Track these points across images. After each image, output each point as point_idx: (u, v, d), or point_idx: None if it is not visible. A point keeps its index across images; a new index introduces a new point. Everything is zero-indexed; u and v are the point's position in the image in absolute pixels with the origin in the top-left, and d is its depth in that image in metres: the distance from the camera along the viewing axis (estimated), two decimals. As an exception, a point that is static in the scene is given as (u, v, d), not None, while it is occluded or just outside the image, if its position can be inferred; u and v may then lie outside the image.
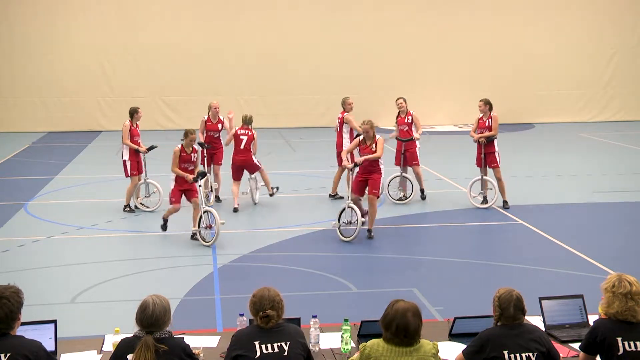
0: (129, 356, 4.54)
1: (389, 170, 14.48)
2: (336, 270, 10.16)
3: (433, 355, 4.56)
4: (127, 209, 13.42)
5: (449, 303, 8.61)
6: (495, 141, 13.43)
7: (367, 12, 26.17)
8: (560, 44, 26.95)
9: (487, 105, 13.51)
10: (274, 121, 25.82)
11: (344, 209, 11.44)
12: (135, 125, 13.49)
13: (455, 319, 5.69)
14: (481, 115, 13.55)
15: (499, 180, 13.39)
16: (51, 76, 25.25)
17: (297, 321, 5.33)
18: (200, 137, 13.92)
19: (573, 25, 26.97)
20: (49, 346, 5.13)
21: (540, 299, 5.80)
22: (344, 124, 14.14)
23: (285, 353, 4.68)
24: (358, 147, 11.71)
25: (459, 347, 5.26)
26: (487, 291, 5.44)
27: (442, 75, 26.54)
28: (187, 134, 11.65)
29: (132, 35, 25.42)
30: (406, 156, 14.07)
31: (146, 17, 25.51)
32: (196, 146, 11.92)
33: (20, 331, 4.71)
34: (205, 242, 11.15)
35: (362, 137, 11.60)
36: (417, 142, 14.09)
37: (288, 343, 4.71)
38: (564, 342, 5.50)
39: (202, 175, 11.47)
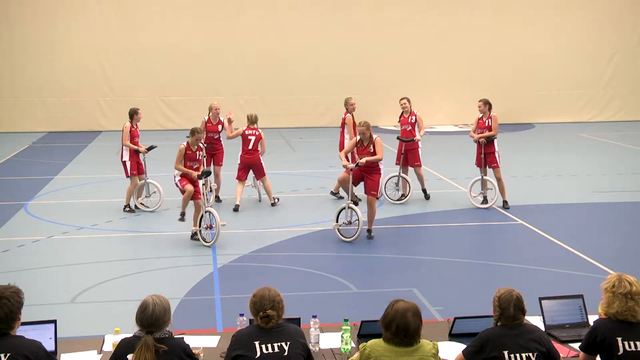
0: (129, 356, 4.54)
1: (389, 170, 14.52)
2: (336, 270, 10.16)
3: (433, 355, 4.56)
4: (127, 209, 13.43)
5: (449, 303, 8.61)
6: (495, 141, 13.43)
7: (367, 12, 26.17)
8: (560, 44, 26.95)
9: (487, 105, 13.52)
10: (274, 121, 25.79)
11: (342, 209, 11.42)
12: (135, 126, 13.51)
13: (455, 319, 5.69)
14: (481, 115, 13.55)
15: (498, 180, 13.39)
16: (51, 76, 25.25)
17: (297, 321, 5.33)
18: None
19: (573, 25, 26.97)
20: (49, 346, 5.13)
21: (540, 299, 5.80)
22: (345, 125, 14.17)
23: (286, 353, 4.68)
24: (355, 149, 11.65)
25: (459, 347, 5.26)
26: (487, 291, 5.44)
27: (442, 75, 26.54)
28: (194, 132, 11.62)
29: (132, 35, 25.41)
30: (408, 156, 14.07)
31: (146, 17, 25.51)
32: (201, 144, 11.92)
33: (20, 331, 4.72)
34: (206, 242, 11.15)
35: (358, 137, 11.52)
36: (419, 143, 14.08)
37: (288, 343, 4.71)
38: (564, 342, 5.50)
39: (207, 174, 11.51)
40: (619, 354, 4.79)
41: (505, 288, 4.90)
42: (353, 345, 5.38)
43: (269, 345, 4.69)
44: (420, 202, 14.12)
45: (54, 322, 5.41)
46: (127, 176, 13.47)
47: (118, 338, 5.08)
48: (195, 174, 11.37)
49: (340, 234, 11.42)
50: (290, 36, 25.88)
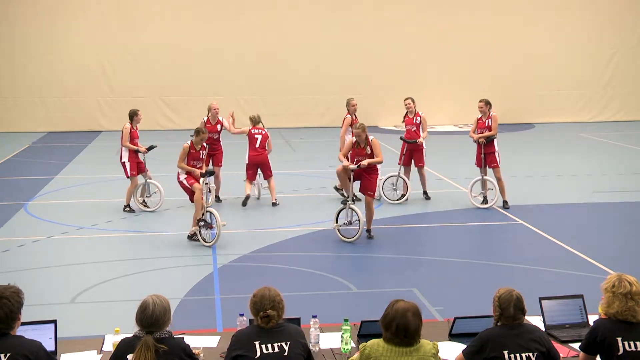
0: (129, 356, 4.54)
1: (389, 170, 14.53)
2: (336, 270, 10.16)
3: (433, 355, 4.56)
4: (127, 209, 13.43)
5: (449, 303, 8.61)
6: (495, 141, 13.43)
7: (367, 12, 26.17)
8: (560, 44, 26.96)
9: (488, 105, 13.52)
10: (274, 121, 25.72)
11: (341, 210, 11.40)
12: (135, 128, 13.50)
13: (455, 319, 5.69)
14: (480, 115, 13.55)
15: (498, 180, 13.39)
16: (51, 76, 25.25)
17: (297, 321, 5.33)
18: None
19: (573, 25, 26.98)
20: (49, 346, 5.13)
21: (540, 299, 5.80)
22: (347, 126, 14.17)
23: (286, 353, 4.68)
24: (351, 151, 11.49)
25: (459, 347, 5.26)
26: (487, 291, 5.44)
27: (442, 75, 26.54)
28: (199, 132, 11.58)
29: (132, 35, 25.42)
30: (414, 157, 14.05)
31: (146, 17, 25.51)
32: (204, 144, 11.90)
33: (20, 331, 4.71)
34: (206, 242, 11.14)
35: (354, 139, 11.41)
36: (424, 144, 14.07)
37: (288, 343, 4.71)
38: (564, 342, 5.50)
39: (211, 173, 11.48)
40: (619, 354, 4.79)
41: (505, 288, 4.90)
42: (353, 345, 5.38)
43: (269, 345, 4.69)
44: (420, 202, 14.12)
45: (54, 322, 5.41)
46: (127, 177, 13.47)
47: (118, 338, 5.08)
48: (198, 172, 11.35)
49: (341, 234, 11.41)
50: (290, 36, 25.88)
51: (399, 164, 14.20)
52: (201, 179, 11.38)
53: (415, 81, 25.78)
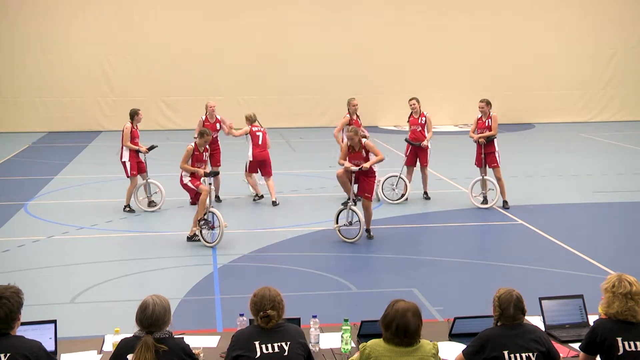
0: (129, 356, 4.54)
1: (391, 170, 14.53)
2: (336, 270, 10.16)
3: (433, 355, 4.56)
4: (127, 209, 13.42)
5: (449, 303, 8.60)
6: (495, 141, 13.43)
7: (367, 12, 26.17)
8: (561, 44, 26.96)
9: (489, 105, 13.53)
10: (274, 121, 25.77)
11: (341, 211, 11.39)
12: (135, 127, 13.50)
13: (455, 319, 5.69)
14: (480, 115, 13.56)
15: (498, 180, 13.39)
16: (51, 76, 25.26)
17: (297, 321, 5.33)
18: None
19: (573, 25, 26.98)
20: (49, 346, 5.13)
21: (540, 299, 5.80)
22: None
23: (286, 353, 4.68)
24: (348, 155, 11.43)
25: (459, 347, 5.26)
26: (487, 291, 5.44)
27: (442, 75, 26.54)
28: (204, 134, 11.51)
29: (132, 35, 25.42)
30: (419, 157, 14.04)
31: (146, 17, 25.51)
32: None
33: (20, 331, 4.71)
34: (208, 242, 11.13)
35: (349, 143, 11.33)
36: (429, 144, 14.07)
37: (288, 343, 4.71)
38: (564, 342, 5.50)
39: (215, 174, 11.42)
40: (619, 354, 4.79)
41: (505, 288, 4.90)
42: (353, 345, 5.38)
43: (269, 346, 4.69)
44: (420, 202, 14.12)
45: (54, 322, 5.41)
46: (128, 176, 13.47)
47: (118, 338, 5.08)
48: (202, 171, 11.29)
49: (342, 235, 11.40)
50: (290, 36, 25.88)
51: (406, 164, 14.15)
52: (205, 179, 11.36)
53: (415, 81, 25.77)
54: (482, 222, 12.87)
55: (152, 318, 4.58)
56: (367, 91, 25.30)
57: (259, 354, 4.66)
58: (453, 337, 5.62)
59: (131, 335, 4.69)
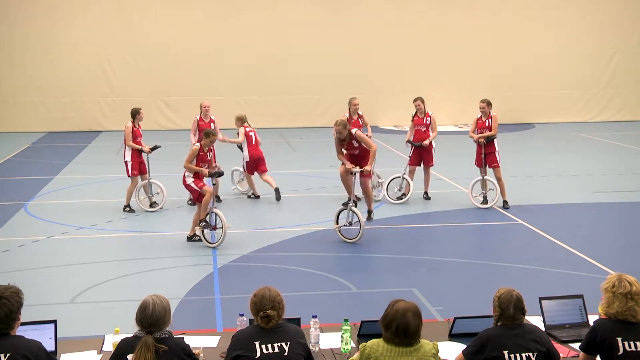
0: (129, 356, 4.54)
1: (394, 170, 14.53)
2: (336, 270, 10.16)
3: (433, 355, 4.56)
4: (127, 209, 13.42)
5: (449, 303, 8.60)
6: (495, 141, 13.43)
7: (367, 12, 26.17)
8: (561, 44, 26.96)
9: (489, 105, 13.54)
10: (274, 121, 25.81)
11: (341, 211, 11.38)
12: (137, 126, 13.48)
13: (455, 319, 5.69)
14: (480, 115, 13.56)
15: (499, 180, 13.39)
16: (51, 76, 25.25)
17: (297, 321, 5.33)
18: (193, 138, 13.87)
19: (573, 25, 26.98)
20: (49, 346, 5.13)
21: (540, 299, 5.80)
22: None
23: (286, 353, 4.68)
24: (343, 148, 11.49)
25: (459, 347, 5.26)
26: (487, 291, 5.44)
27: (442, 75, 26.54)
28: (209, 134, 11.39)
29: (132, 35, 25.42)
30: (423, 157, 14.03)
31: (146, 17, 25.51)
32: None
33: (20, 331, 4.71)
34: (209, 243, 11.11)
35: (336, 136, 11.31)
36: (433, 143, 14.06)
37: (288, 343, 4.71)
38: (564, 342, 5.50)
39: (219, 174, 11.41)
40: (619, 354, 4.79)
41: (505, 288, 4.90)
42: (353, 345, 5.38)
43: (269, 346, 4.69)
44: (420, 202, 14.12)
45: (54, 322, 5.41)
46: (129, 176, 13.45)
47: (118, 338, 5.08)
48: (206, 171, 11.23)
49: (342, 235, 11.39)
50: (290, 36, 25.88)
51: (408, 164, 14.12)
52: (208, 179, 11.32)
53: (415, 81, 25.77)
54: (482, 222, 12.87)
55: (152, 318, 4.58)
56: (367, 91, 25.28)
57: (259, 354, 4.66)
58: (453, 337, 5.62)
59: (131, 335, 4.69)
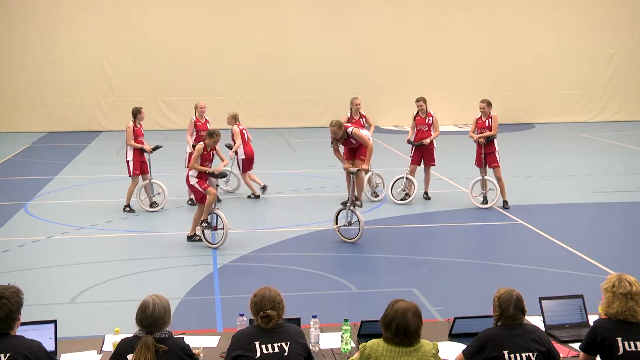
0: (129, 356, 4.54)
1: (397, 170, 14.53)
2: (336, 270, 10.16)
3: (433, 355, 4.56)
4: (127, 209, 13.41)
5: (449, 303, 8.60)
6: (495, 141, 13.44)
7: (367, 12, 26.17)
8: (560, 44, 26.96)
9: (490, 106, 13.54)
10: (274, 121, 25.83)
11: (340, 211, 11.38)
12: (138, 125, 13.45)
13: (455, 319, 5.69)
14: (480, 115, 13.56)
15: (499, 179, 13.39)
16: (51, 76, 25.25)
17: (297, 321, 5.33)
18: (189, 139, 13.79)
19: (573, 25, 26.97)
20: (49, 346, 5.13)
21: (540, 299, 5.80)
22: None
23: (286, 353, 4.68)
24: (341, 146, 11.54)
25: (459, 347, 5.26)
26: (487, 291, 5.44)
27: (442, 75, 26.54)
28: (213, 134, 11.25)
29: (132, 35, 25.42)
30: (424, 157, 14.03)
31: (146, 17, 25.51)
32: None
33: (20, 331, 4.71)
34: (210, 243, 11.09)
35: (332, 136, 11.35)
36: (434, 143, 14.05)
37: (288, 343, 4.71)
38: (564, 342, 5.50)
39: (223, 175, 11.35)
40: (619, 354, 4.79)
41: (505, 288, 4.90)
42: (353, 345, 5.38)
43: (269, 346, 4.69)
44: (421, 202, 14.11)
45: (54, 322, 5.41)
46: (130, 175, 13.44)
47: (118, 338, 5.08)
48: (211, 171, 11.19)
49: (341, 235, 11.39)
50: (290, 36, 25.88)
51: (410, 164, 14.10)
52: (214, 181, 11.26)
53: (415, 81, 25.77)
54: (482, 222, 12.87)
55: (152, 318, 4.58)
56: (367, 91, 25.26)
57: (259, 354, 4.66)
58: (453, 337, 5.62)
59: (131, 335, 4.69)
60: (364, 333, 5.50)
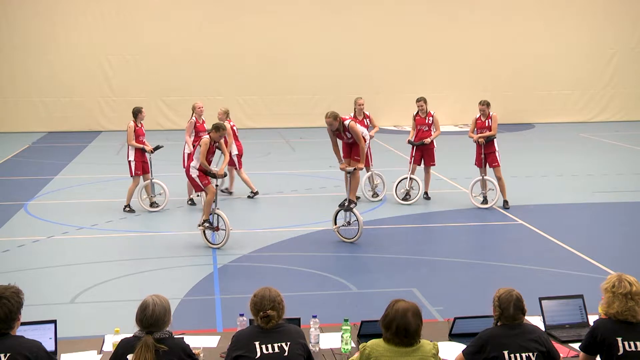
0: (129, 356, 4.53)
1: (401, 171, 14.52)
2: (336, 270, 10.16)
3: (433, 355, 4.56)
4: (127, 209, 13.41)
5: (449, 303, 8.60)
6: (495, 141, 13.44)
7: (366, 12, 26.17)
8: (560, 44, 26.96)
9: (489, 106, 13.56)
10: (274, 121, 25.83)
11: (339, 211, 11.37)
12: (139, 125, 13.44)
13: (455, 319, 5.69)
14: (479, 115, 13.57)
15: (499, 179, 13.39)
16: (51, 76, 25.25)
17: (297, 321, 5.33)
18: (188, 140, 13.73)
19: (573, 25, 26.98)
20: (49, 346, 5.13)
21: (540, 299, 5.79)
22: None
23: (286, 353, 4.68)
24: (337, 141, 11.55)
25: (459, 347, 5.26)
26: (487, 291, 5.44)
27: (442, 75, 26.54)
28: (219, 128, 11.13)
29: (132, 35, 25.42)
30: (424, 157, 14.02)
31: (146, 17, 25.51)
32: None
33: (20, 331, 4.71)
34: (210, 244, 11.08)
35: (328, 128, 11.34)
36: (434, 143, 14.04)
37: (288, 343, 4.71)
38: (564, 342, 5.50)
39: (223, 176, 11.31)
40: (619, 354, 4.79)
41: (505, 288, 4.90)
42: (353, 345, 5.38)
43: (269, 346, 4.69)
44: (421, 202, 14.10)
45: (54, 322, 5.40)
46: (132, 175, 13.42)
47: (118, 338, 5.08)
48: (214, 171, 11.07)
49: (340, 235, 11.38)
50: (290, 36, 25.88)
51: (415, 163, 14.07)
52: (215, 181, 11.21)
53: (415, 81, 25.78)
54: (482, 222, 12.87)
55: (152, 318, 4.57)
56: (367, 91, 25.15)
57: (259, 354, 4.66)
58: (453, 337, 5.62)
59: (131, 335, 4.69)
60: (364, 333, 5.50)
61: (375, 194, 14.26)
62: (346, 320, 5.33)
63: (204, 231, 11.12)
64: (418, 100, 14.10)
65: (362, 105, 14.28)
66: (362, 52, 26.10)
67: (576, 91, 27.44)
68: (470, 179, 14.09)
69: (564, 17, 26.90)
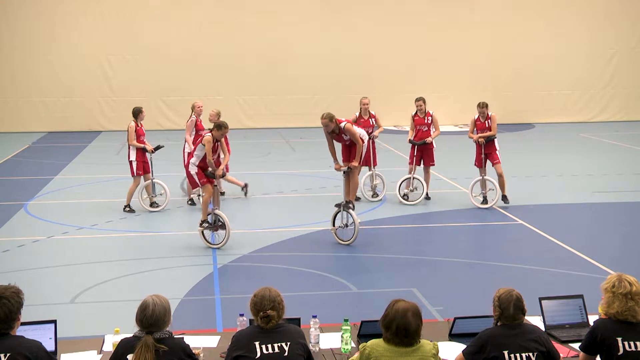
0: (129, 356, 4.53)
1: (400, 171, 14.51)
2: (336, 270, 10.16)
3: (433, 355, 4.56)
4: (127, 209, 13.41)
5: (449, 303, 8.60)
6: (495, 140, 13.45)
7: (367, 12, 26.16)
8: (560, 44, 26.95)
9: (487, 107, 13.59)
10: (274, 121, 25.82)
11: (337, 213, 11.36)
12: (140, 125, 13.44)
13: (455, 319, 5.69)
14: (478, 116, 13.58)
15: (500, 176, 13.39)
16: (51, 76, 25.25)
17: (297, 321, 5.33)
18: (189, 139, 13.73)
19: (573, 25, 26.97)
20: (49, 346, 5.13)
21: (540, 299, 5.79)
22: None
23: (286, 353, 4.68)
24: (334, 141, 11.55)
25: (459, 347, 5.26)
26: (487, 291, 5.44)
27: (442, 75, 26.53)
28: (222, 126, 11.09)
29: (132, 35, 25.41)
30: (423, 157, 14.02)
31: (146, 17, 25.50)
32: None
33: (20, 331, 4.71)
34: (210, 244, 11.07)
35: (325, 130, 11.38)
36: (434, 143, 14.04)
37: (288, 344, 4.71)
38: (564, 342, 5.50)
39: (223, 176, 11.28)
40: (619, 354, 4.79)
41: (505, 288, 4.90)
42: (353, 345, 5.38)
43: (269, 346, 4.68)
44: (421, 202, 14.08)
45: (54, 322, 5.41)
46: (133, 175, 13.42)
47: (118, 338, 5.07)
48: (215, 169, 11.05)
49: (338, 237, 11.36)
50: (290, 36, 25.87)
51: (415, 164, 14.04)
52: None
53: (415, 81, 25.77)
54: (482, 222, 12.87)
55: (152, 318, 4.57)
56: (367, 91, 25.04)
57: (259, 354, 4.66)
58: (453, 337, 5.62)
59: (131, 335, 4.69)
60: (364, 333, 5.50)
61: (375, 194, 14.26)
62: (346, 320, 5.33)
63: (202, 232, 11.11)
64: (417, 100, 14.10)
65: (367, 104, 14.29)
66: (362, 52, 26.09)
67: (576, 91, 27.43)
68: (470, 179, 14.09)
69: (564, 17, 26.90)
